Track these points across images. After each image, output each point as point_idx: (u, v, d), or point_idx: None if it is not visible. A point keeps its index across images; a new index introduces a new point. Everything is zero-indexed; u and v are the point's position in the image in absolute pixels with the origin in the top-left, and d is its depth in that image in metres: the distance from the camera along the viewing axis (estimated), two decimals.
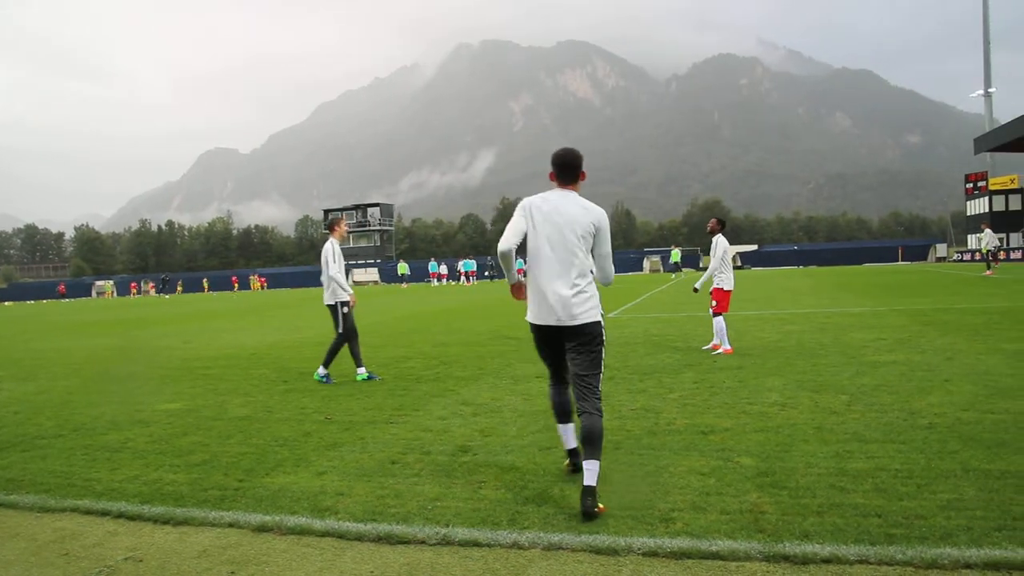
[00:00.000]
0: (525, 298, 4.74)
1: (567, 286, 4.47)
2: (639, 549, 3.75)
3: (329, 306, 9.67)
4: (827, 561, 3.51)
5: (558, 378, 4.83)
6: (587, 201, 4.60)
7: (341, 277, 9.52)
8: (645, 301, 24.23)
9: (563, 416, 4.87)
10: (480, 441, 6.11)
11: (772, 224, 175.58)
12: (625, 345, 12.01)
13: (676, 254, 52.42)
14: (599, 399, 4.54)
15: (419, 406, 7.74)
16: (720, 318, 10.78)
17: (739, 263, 69.02)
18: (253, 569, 3.79)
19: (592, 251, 4.58)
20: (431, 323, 18.63)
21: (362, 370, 9.71)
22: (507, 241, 4.51)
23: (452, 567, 3.69)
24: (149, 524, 4.51)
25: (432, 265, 60.94)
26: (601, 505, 4.30)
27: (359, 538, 4.11)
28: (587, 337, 4.50)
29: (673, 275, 49.00)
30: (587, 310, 4.48)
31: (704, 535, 3.87)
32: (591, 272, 4.57)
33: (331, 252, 9.50)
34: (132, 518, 4.61)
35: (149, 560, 3.97)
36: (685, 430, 6.13)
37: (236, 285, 77.24)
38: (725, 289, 10.86)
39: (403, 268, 60.52)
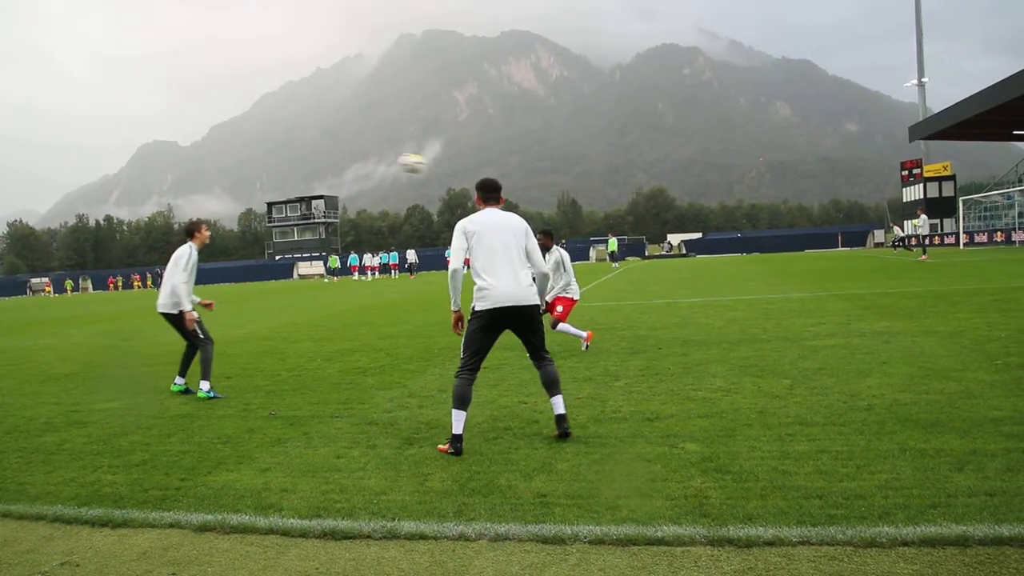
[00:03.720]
0: (461, 331, 5.89)
1: (523, 275, 5.59)
2: (585, 537, 3.76)
3: (168, 315, 8.52)
4: (770, 543, 3.56)
5: (475, 368, 5.65)
6: (518, 216, 5.89)
7: (184, 289, 8.30)
8: (592, 290, 24.36)
9: (463, 403, 5.49)
10: (426, 433, 6.08)
11: (716, 212, 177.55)
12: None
13: (612, 243, 52.60)
14: (548, 354, 5.81)
15: (365, 399, 7.67)
16: (565, 325, 10.41)
17: (684, 251, 69.92)
18: (195, 570, 3.72)
19: (526, 248, 5.71)
20: (377, 316, 18.48)
21: (181, 381, 8.72)
22: (455, 261, 5.59)
23: (399, 561, 3.66)
24: (87, 527, 4.39)
25: (352, 258, 59.14)
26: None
27: (304, 535, 4.06)
28: (534, 316, 5.68)
29: (614, 264, 49.24)
30: (532, 294, 5.64)
31: (650, 521, 3.90)
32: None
33: (185, 258, 8.39)
34: (68, 522, 4.48)
35: (86, 564, 3.86)
36: (631, 417, 6.18)
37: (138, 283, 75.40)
38: (574, 298, 10.51)
39: (333, 261, 59.27)
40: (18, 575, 3.79)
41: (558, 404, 5.64)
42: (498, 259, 5.55)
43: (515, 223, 5.74)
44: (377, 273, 55.49)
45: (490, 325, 5.59)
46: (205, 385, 8.32)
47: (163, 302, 8.52)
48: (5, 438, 6.83)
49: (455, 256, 5.59)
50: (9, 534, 4.36)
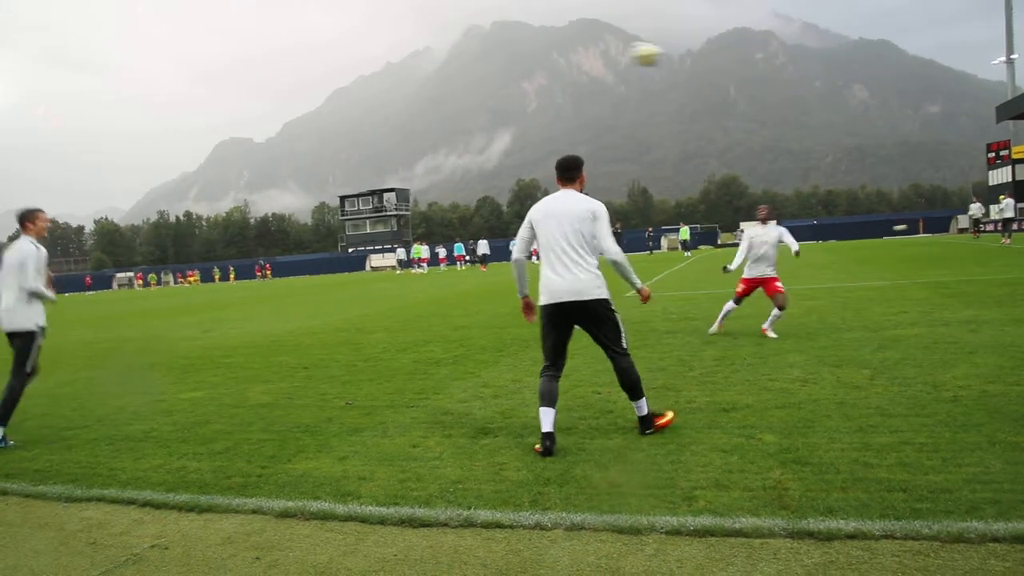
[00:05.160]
0: (533, 316, 5.61)
1: (581, 266, 5.18)
2: (662, 528, 3.74)
3: (16, 333, 6.69)
4: (852, 537, 3.49)
5: (554, 365, 5.41)
6: (590, 197, 5.35)
7: (45, 293, 6.74)
8: (663, 280, 24.13)
9: (547, 401, 5.29)
10: (501, 423, 6.11)
11: (791, 199, 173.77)
12: (643, 323, 11.96)
13: (685, 231, 51.89)
14: (628, 354, 5.40)
15: (439, 389, 7.75)
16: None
17: None
18: (277, 554, 3.82)
19: (595, 233, 5.23)
20: (449, 307, 18.64)
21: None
22: (516, 251, 5.48)
23: (475, 549, 3.70)
24: (174, 512, 4.56)
25: (416, 249, 55.43)
26: (669, 414, 5.52)
27: (382, 522, 4.13)
28: (599, 312, 5.25)
29: (687, 253, 48.59)
30: (594, 288, 5.19)
31: (727, 513, 3.86)
32: (596, 255, 5.29)
33: (33, 257, 6.64)
34: (157, 506, 4.67)
35: (175, 547, 4.01)
36: (706, 408, 6.11)
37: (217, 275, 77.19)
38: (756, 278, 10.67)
39: (418, 251, 58.08)
40: (112, 556, 3.96)
41: (639, 408, 5.40)
42: (554, 249, 5.24)
43: (576, 207, 5.24)
44: (426, 266, 54.17)
45: (554, 321, 5.32)
46: None
47: (13, 318, 6.67)
48: (96, 426, 7.12)
49: (517, 245, 5.46)
50: (103, 517, 4.56)
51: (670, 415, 5.48)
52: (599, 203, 5.32)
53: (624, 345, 5.38)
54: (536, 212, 5.40)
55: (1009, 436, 4.77)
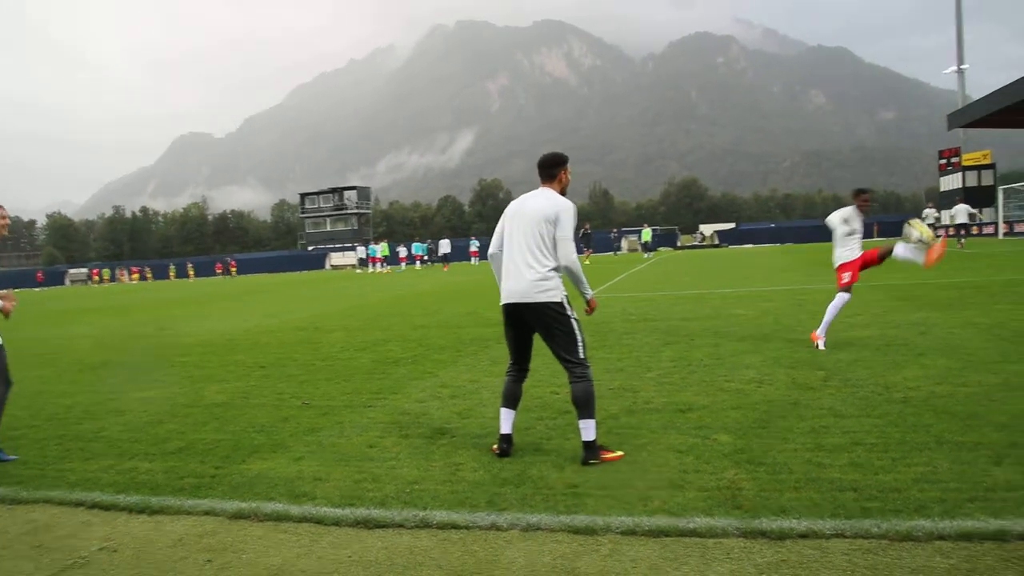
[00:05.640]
0: None
1: (533, 268, 4.98)
2: (617, 528, 3.75)
3: None
4: (804, 536, 3.54)
5: (516, 364, 5.28)
6: (557, 195, 5.13)
7: None
8: (623, 281, 24.27)
9: (507, 401, 5.21)
10: (458, 423, 6.10)
11: (749, 202, 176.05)
12: (603, 324, 12.02)
13: (647, 233, 52.29)
14: (583, 367, 4.98)
15: (398, 389, 7.71)
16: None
17: (717, 241, 69.39)
18: (230, 556, 3.77)
19: (554, 236, 5.00)
20: (409, 306, 18.57)
21: None
22: (492, 246, 5.34)
23: (431, 550, 3.68)
24: (124, 514, 4.48)
25: (372, 249, 55.15)
26: (620, 453, 4.95)
27: (337, 523, 4.10)
28: (548, 316, 4.96)
29: (647, 255, 48.94)
30: (541, 291, 4.94)
31: (682, 513, 3.89)
32: (555, 257, 5.02)
33: None
34: (106, 508, 4.58)
35: (124, 550, 3.94)
36: (663, 408, 6.15)
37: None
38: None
39: (385, 250, 57.53)
40: (58, 559, 3.87)
41: (585, 430, 4.88)
42: (513, 249, 5.09)
43: (541, 208, 5.02)
44: (380, 266, 53.25)
45: (509, 321, 5.17)
46: None
47: None
48: (45, 425, 6.96)
49: (493, 240, 5.34)
50: (50, 519, 4.45)
51: (620, 454, 4.94)
52: (567, 204, 5.07)
53: (580, 355, 4.97)
54: (509, 209, 5.29)
55: (956, 436, 4.87)
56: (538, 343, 5.22)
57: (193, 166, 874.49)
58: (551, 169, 5.20)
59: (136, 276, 77.41)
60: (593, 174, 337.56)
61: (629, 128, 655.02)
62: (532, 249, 4.99)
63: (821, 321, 9.02)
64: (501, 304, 5.17)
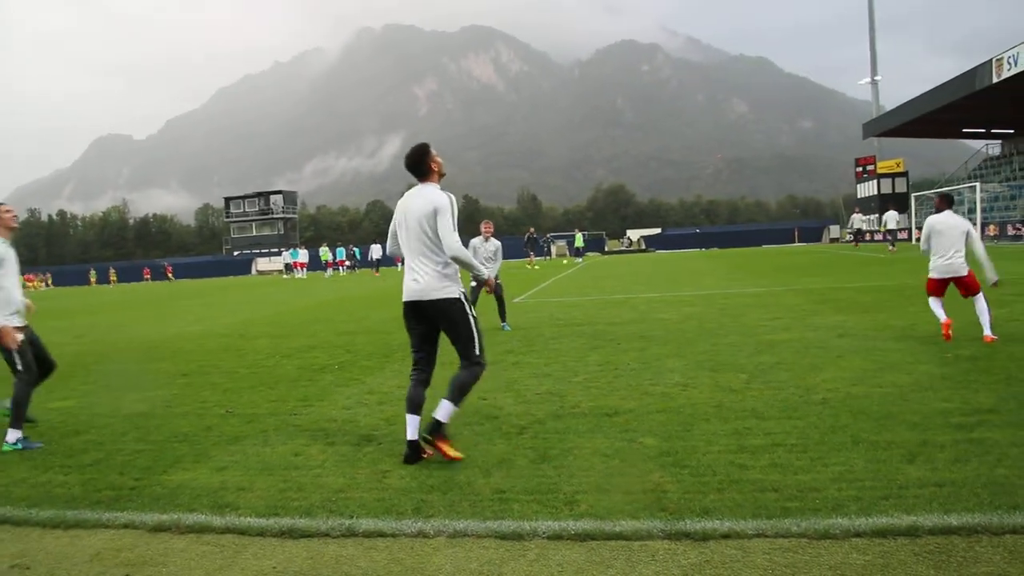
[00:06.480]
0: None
1: (425, 264, 5.09)
2: (544, 533, 3.77)
3: None
4: (727, 536, 3.60)
5: (418, 366, 5.30)
6: (433, 191, 5.16)
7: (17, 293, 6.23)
8: (551, 285, 24.43)
9: (410, 406, 5.17)
10: (385, 430, 6.05)
11: (675, 208, 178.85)
12: (531, 329, 12.08)
13: (579, 238, 52.80)
14: (478, 364, 5.13)
15: (324, 396, 7.61)
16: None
17: (643, 246, 70.36)
18: (150, 571, 3.67)
19: (436, 228, 5.04)
20: (336, 312, 18.34)
21: (15, 435, 6.11)
22: (388, 247, 5.44)
23: (357, 559, 3.64)
24: (37, 529, 4.31)
25: (294, 253, 54.86)
26: (459, 454, 5.02)
27: (261, 533, 4.02)
28: (446, 312, 5.08)
29: (578, 260, 49.37)
30: (437, 288, 5.05)
31: (608, 516, 3.92)
32: (443, 252, 5.08)
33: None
34: (18, 523, 4.40)
35: (37, 567, 3.79)
36: (590, 412, 6.20)
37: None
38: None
39: (325, 255, 56.43)
40: None
41: (441, 410, 5.02)
42: (406, 248, 5.22)
43: (421, 205, 5.09)
44: (302, 271, 52.69)
45: (411, 318, 5.23)
46: (12, 435, 6.09)
47: None
48: None
49: (389, 241, 5.45)
50: None
51: (459, 456, 5.01)
52: (444, 196, 5.09)
53: (476, 354, 5.10)
54: (397, 210, 5.32)
55: (871, 435, 5.03)
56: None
57: (113, 169, 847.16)
58: (419, 166, 5.23)
59: (34, 284, 69.50)
60: (521, 179, 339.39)
61: (556, 134, 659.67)
62: (422, 249, 5.08)
63: (983, 324, 8.68)
64: (403, 302, 5.23)
